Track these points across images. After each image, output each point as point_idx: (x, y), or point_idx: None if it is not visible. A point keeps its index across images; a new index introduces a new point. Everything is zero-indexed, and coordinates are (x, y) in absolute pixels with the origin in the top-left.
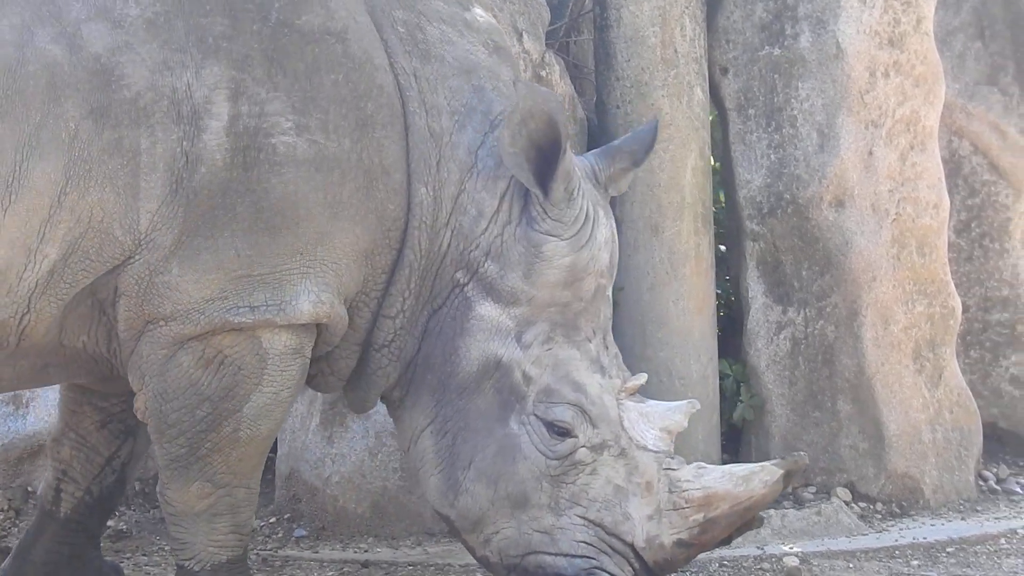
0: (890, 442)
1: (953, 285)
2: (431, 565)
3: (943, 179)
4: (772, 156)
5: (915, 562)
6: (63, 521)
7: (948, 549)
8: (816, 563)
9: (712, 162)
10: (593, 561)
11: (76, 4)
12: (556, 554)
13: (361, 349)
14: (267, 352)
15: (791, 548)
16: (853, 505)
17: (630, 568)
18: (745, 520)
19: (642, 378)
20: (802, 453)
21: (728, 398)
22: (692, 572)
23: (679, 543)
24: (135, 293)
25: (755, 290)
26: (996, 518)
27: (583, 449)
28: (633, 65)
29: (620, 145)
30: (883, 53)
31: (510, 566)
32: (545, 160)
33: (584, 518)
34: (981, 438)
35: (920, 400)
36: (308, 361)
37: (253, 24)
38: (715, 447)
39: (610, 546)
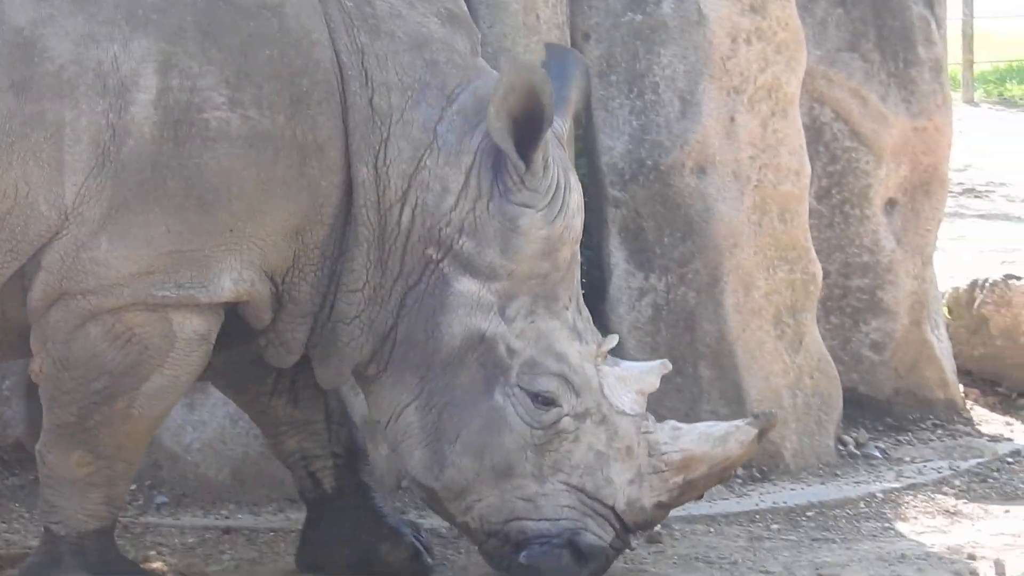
0: (751, 407)
1: (814, 251)
2: (292, 531)
3: (804, 146)
4: (634, 123)
5: (775, 526)
6: (334, 494)
7: (808, 513)
8: (677, 528)
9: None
10: (577, 523)
11: None
12: (539, 519)
13: (310, 323)
14: (175, 335)
15: None
16: None
17: (611, 528)
18: (722, 479)
19: (613, 340)
20: (774, 411)
21: None
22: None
23: (658, 505)
24: (57, 269)
25: (616, 257)
26: (855, 482)
27: (567, 418)
28: (496, 31)
29: (564, 95)
30: (745, 19)
31: (490, 532)
32: (524, 131)
33: (567, 484)
34: (841, 403)
35: (781, 365)
36: (211, 348)
37: None
38: None
39: (592, 509)
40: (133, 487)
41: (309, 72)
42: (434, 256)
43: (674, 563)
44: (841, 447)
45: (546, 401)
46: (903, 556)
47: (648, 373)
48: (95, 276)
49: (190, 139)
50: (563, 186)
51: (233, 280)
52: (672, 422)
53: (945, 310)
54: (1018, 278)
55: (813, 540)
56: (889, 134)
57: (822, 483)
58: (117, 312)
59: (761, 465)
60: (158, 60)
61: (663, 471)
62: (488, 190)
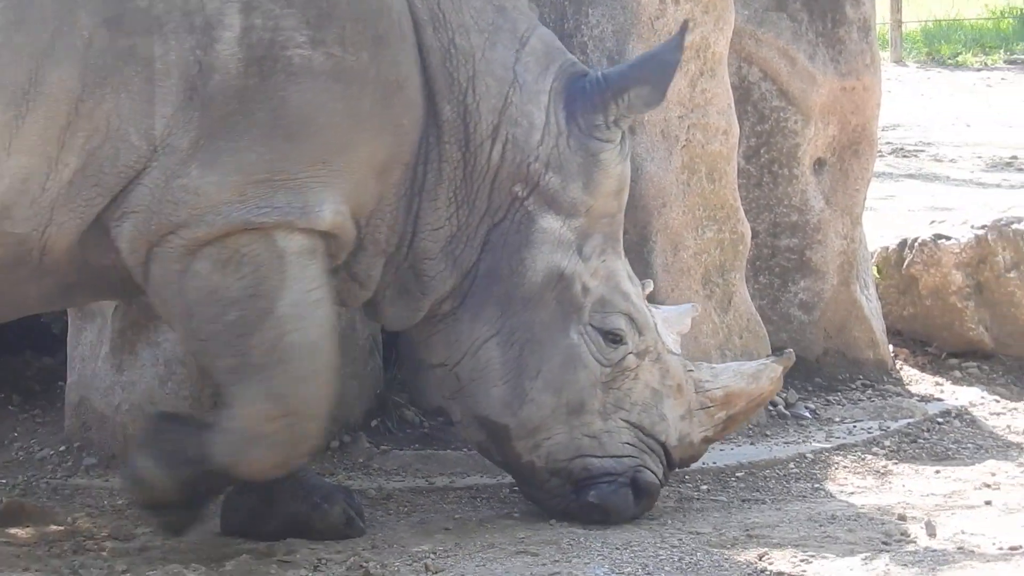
0: None
1: (743, 211)
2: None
3: (732, 105)
4: None
5: (704, 487)
6: None
7: (738, 474)
8: None
9: None
10: (637, 460)
11: None
12: (603, 456)
13: (384, 261)
14: (284, 250)
15: None
16: None
17: (662, 466)
18: (754, 414)
19: (650, 285)
20: (790, 351)
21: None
22: (484, 499)
23: (704, 440)
24: (146, 206)
25: None
26: (785, 443)
27: (631, 356)
28: None
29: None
30: None
31: (554, 470)
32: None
33: (627, 421)
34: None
35: (710, 325)
36: (325, 268)
37: None
38: None
39: (648, 446)
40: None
41: (384, 14)
42: (520, 193)
43: (603, 524)
44: (771, 407)
45: (615, 339)
46: (833, 517)
47: (683, 315)
48: (187, 205)
49: (274, 74)
50: (627, 132)
51: (332, 212)
52: (704, 362)
53: (874, 270)
54: (947, 238)
55: (743, 501)
56: (817, 94)
57: (751, 444)
58: (217, 241)
59: None
60: (241, 2)
61: (709, 407)
62: (565, 127)
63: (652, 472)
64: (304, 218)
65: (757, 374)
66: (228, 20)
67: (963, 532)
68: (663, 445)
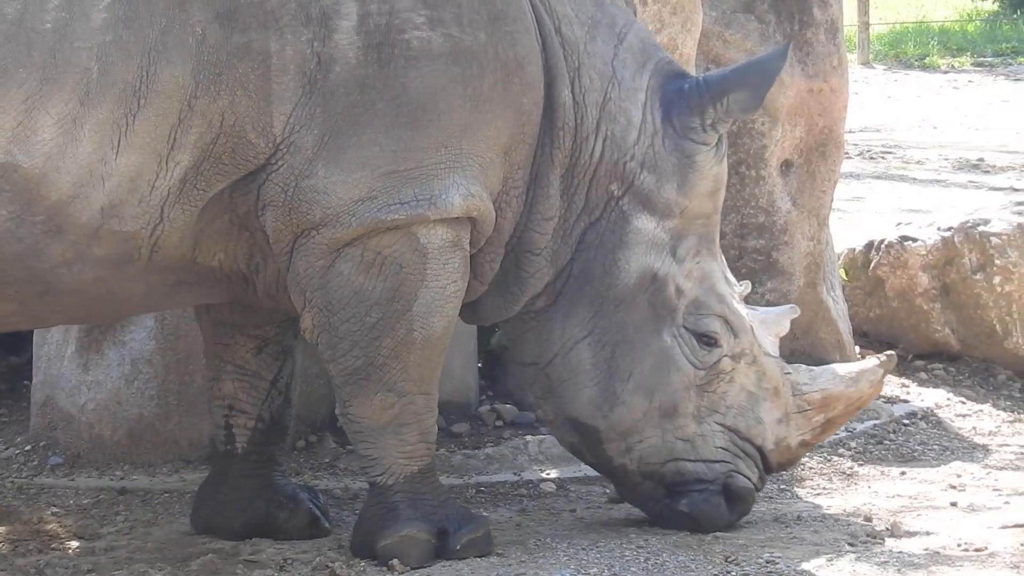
0: None
1: None
2: (187, 492)
3: None
4: None
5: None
6: (242, 456)
7: None
8: (573, 489)
9: None
10: (730, 465)
11: None
12: (696, 460)
13: (504, 252)
14: (426, 248)
15: (547, 474)
16: None
17: (756, 470)
18: (849, 417)
19: (748, 285)
20: (893, 353)
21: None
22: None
23: (802, 444)
24: (282, 202)
25: None
26: None
27: (726, 358)
28: None
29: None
30: None
31: (647, 473)
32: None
33: (722, 424)
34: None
35: None
36: (468, 255)
37: None
38: (472, 374)
39: (743, 450)
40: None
41: None
42: (616, 192)
43: (569, 526)
44: None
45: (709, 341)
46: (799, 518)
47: (782, 317)
48: (319, 205)
49: (394, 59)
50: (724, 133)
51: (462, 196)
52: (801, 365)
53: (841, 271)
54: (913, 240)
55: None
56: (785, 95)
57: None
58: (359, 241)
59: None
60: None
61: (806, 410)
62: (660, 127)
63: (746, 477)
64: (434, 208)
65: (857, 377)
66: (345, 9)
67: (928, 533)
68: (759, 449)
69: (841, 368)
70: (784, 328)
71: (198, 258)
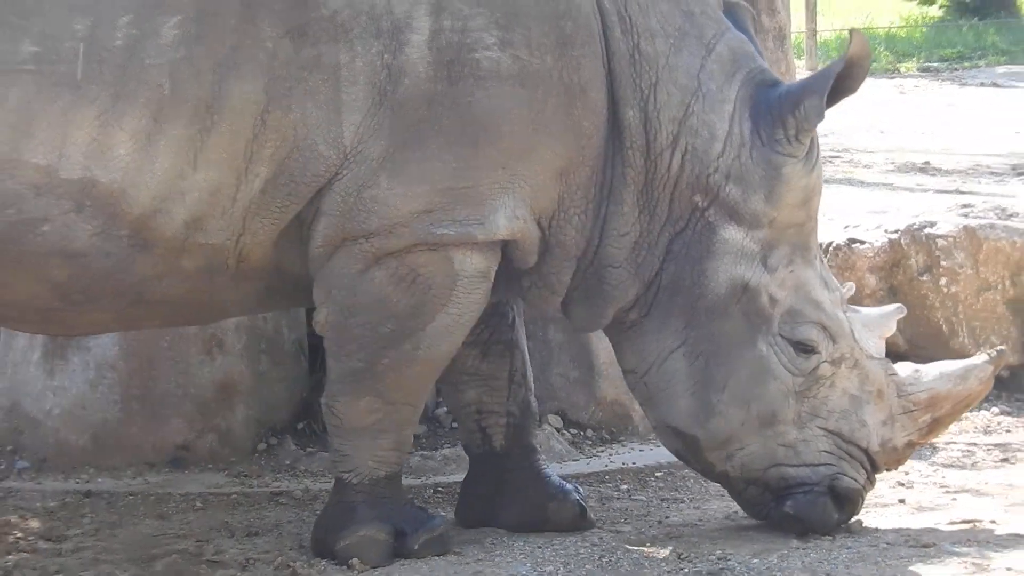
0: (600, 370)
1: None
2: (151, 495)
3: None
4: None
5: (624, 486)
6: (502, 453)
7: (657, 473)
8: None
9: None
10: (834, 468)
11: None
12: (799, 465)
13: (574, 266)
14: (458, 273)
15: None
16: (564, 432)
17: (864, 472)
18: (958, 416)
19: (851, 288)
20: (1003, 348)
21: None
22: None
23: (909, 444)
24: (339, 211)
25: None
26: None
27: (825, 364)
28: None
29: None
30: None
31: (750, 479)
32: (837, 97)
33: (824, 429)
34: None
35: None
36: (490, 286)
37: None
38: None
39: (848, 453)
40: None
41: (572, 15)
42: (700, 203)
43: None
44: None
45: (806, 349)
46: (747, 515)
47: (887, 318)
48: (377, 215)
49: (463, 78)
50: (816, 140)
51: (507, 218)
52: (908, 364)
53: None
54: (861, 242)
55: (662, 500)
56: None
57: None
58: (400, 254)
59: (611, 427)
60: (430, 2)
61: (912, 411)
62: (748, 138)
63: (852, 478)
64: (481, 229)
65: (965, 375)
66: (417, 23)
67: (878, 530)
68: (865, 451)
69: (949, 366)
70: (890, 328)
71: (282, 265)
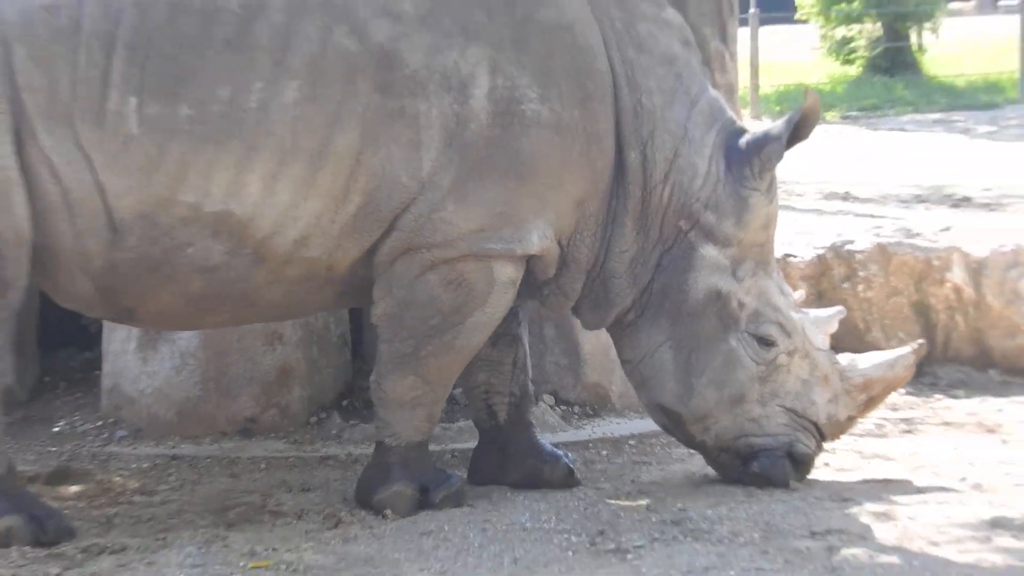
0: (584, 359)
1: None
2: (225, 458)
3: None
4: None
5: (604, 452)
6: (505, 426)
7: (630, 442)
8: None
9: None
10: (791, 437)
11: (362, 6)
12: (763, 435)
13: (586, 277)
14: (495, 280)
15: None
16: (556, 408)
17: (814, 440)
18: (888, 395)
19: (801, 294)
20: (923, 342)
21: None
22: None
23: (849, 418)
24: (410, 228)
25: None
26: None
27: (782, 355)
28: None
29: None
30: None
31: (723, 447)
32: (793, 142)
33: (782, 406)
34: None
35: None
36: (516, 292)
37: (503, 17)
38: None
39: (801, 425)
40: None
41: (592, 76)
42: (684, 227)
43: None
44: None
45: (767, 343)
46: (706, 476)
47: (831, 319)
48: (441, 232)
49: (512, 125)
50: (775, 177)
51: (539, 237)
52: (848, 354)
53: None
54: (795, 256)
55: (634, 463)
56: None
57: (641, 418)
58: (452, 262)
59: (593, 404)
60: (488, 64)
61: (851, 391)
62: (723, 176)
63: (806, 445)
64: (520, 246)
65: (894, 363)
66: (478, 80)
67: (806, 487)
68: (815, 424)
69: (880, 356)
70: (833, 327)
71: (356, 272)
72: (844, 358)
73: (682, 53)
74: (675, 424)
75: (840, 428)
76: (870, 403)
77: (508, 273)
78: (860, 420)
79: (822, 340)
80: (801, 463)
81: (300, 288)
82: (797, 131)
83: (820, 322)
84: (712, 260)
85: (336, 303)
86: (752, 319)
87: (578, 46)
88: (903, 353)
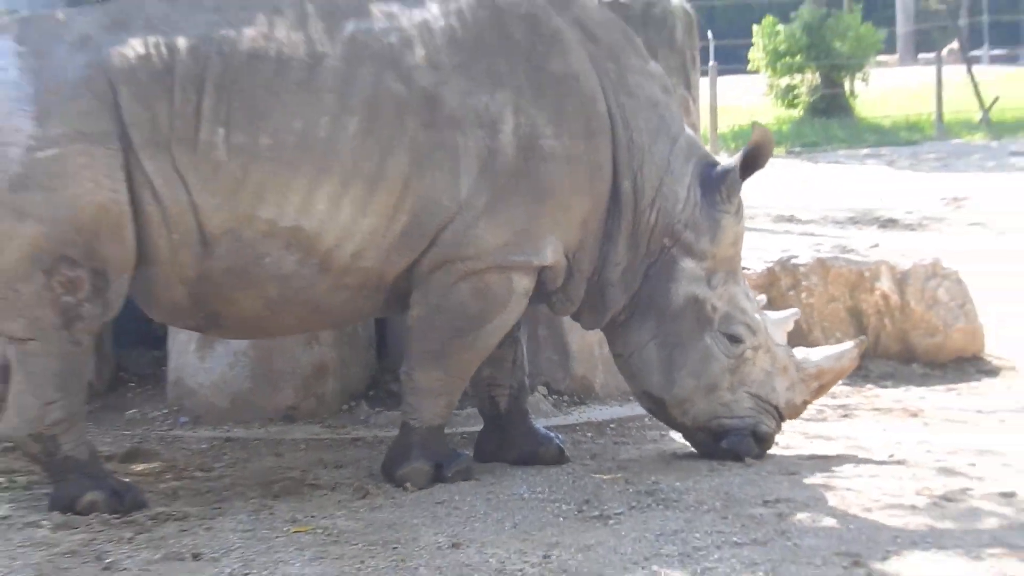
0: (573, 356)
1: None
2: (270, 440)
3: None
4: None
5: (589, 434)
6: (505, 413)
7: (611, 425)
8: None
9: None
10: (756, 419)
11: (408, 56)
12: (732, 417)
13: (587, 285)
14: (513, 290)
15: None
16: (548, 397)
17: (775, 421)
18: (836, 383)
19: (764, 299)
20: (864, 338)
21: None
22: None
23: (804, 402)
24: (448, 243)
25: None
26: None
27: (748, 350)
28: None
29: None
30: None
31: (699, 427)
32: (748, 172)
33: (748, 393)
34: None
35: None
36: (528, 300)
37: (522, 68)
38: None
39: (764, 409)
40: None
41: (595, 117)
42: (667, 243)
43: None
44: None
45: (736, 340)
46: (674, 454)
47: (788, 319)
48: (474, 246)
49: (533, 157)
50: (742, 202)
51: (551, 251)
52: (803, 348)
53: None
54: (748, 268)
55: (615, 443)
56: None
57: (620, 405)
58: (480, 273)
59: (580, 394)
60: (512, 106)
61: (806, 380)
62: (699, 200)
63: (768, 425)
64: (537, 258)
65: (841, 356)
66: (505, 119)
67: (760, 462)
68: (776, 407)
69: (829, 350)
70: (789, 326)
71: (400, 281)
72: (799, 351)
73: (664, 99)
74: (659, 408)
75: (796, 411)
76: (821, 389)
77: (524, 284)
78: (812, 404)
79: (781, 337)
80: (763, 440)
81: (356, 295)
82: (752, 161)
83: (779, 322)
84: (690, 271)
85: (383, 310)
86: (723, 320)
87: (583, 92)
88: (848, 347)
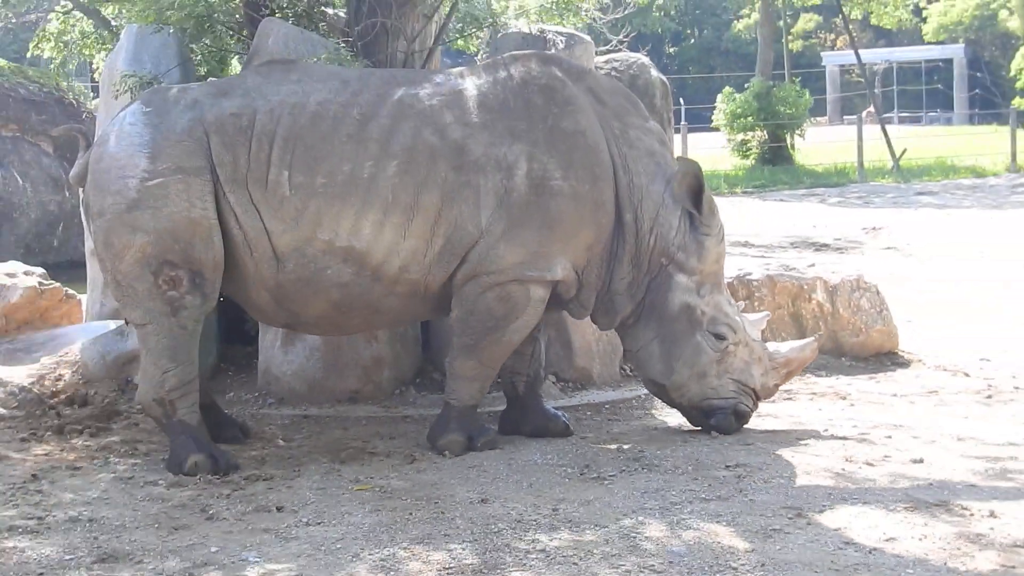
0: (575, 350)
1: None
2: (339, 417)
3: None
4: None
5: (588, 413)
6: (522, 396)
7: (606, 406)
8: None
9: None
10: (737, 400)
11: (445, 114)
12: (719, 399)
13: (598, 296)
14: (531, 297)
15: None
16: (556, 383)
17: (753, 401)
18: (800, 369)
19: (742, 305)
20: (821, 334)
21: None
22: (728, 409)
23: (776, 386)
24: (475, 261)
25: None
26: (630, 390)
27: (731, 345)
28: None
29: None
30: None
31: (693, 407)
32: (696, 195)
33: (732, 379)
34: (623, 348)
35: (591, 327)
36: (544, 307)
37: (538, 125)
38: None
39: (744, 392)
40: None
41: (600, 164)
42: (664, 262)
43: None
44: (623, 371)
45: (721, 337)
46: (655, 427)
47: (761, 320)
48: (495, 263)
49: (543, 195)
50: (722, 223)
51: (561, 269)
52: (773, 342)
53: None
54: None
55: (609, 420)
56: None
57: (613, 390)
58: (503, 284)
59: (581, 381)
60: (527, 155)
61: (777, 367)
62: (688, 227)
63: (747, 405)
64: (549, 274)
65: (803, 348)
66: (520, 165)
67: (723, 437)
68: (753, 390)
69: (795, 343)
70: (763, 326)
71: (442, 291)
72: (771, 345)
73: (660, 149)
74: (662, 392)
75: (769, 392)
76: (789, 375)
77: (540, 294)
78: (781, 386)
79: (756, 334)
80: (742, 417)
81: (408, 300)
82: (693, 194)
83: (755, 322)
84: (683, 284)
85: (433, 313)
86: (711, 322)
87: (589, 144)
88: (810, 341)
